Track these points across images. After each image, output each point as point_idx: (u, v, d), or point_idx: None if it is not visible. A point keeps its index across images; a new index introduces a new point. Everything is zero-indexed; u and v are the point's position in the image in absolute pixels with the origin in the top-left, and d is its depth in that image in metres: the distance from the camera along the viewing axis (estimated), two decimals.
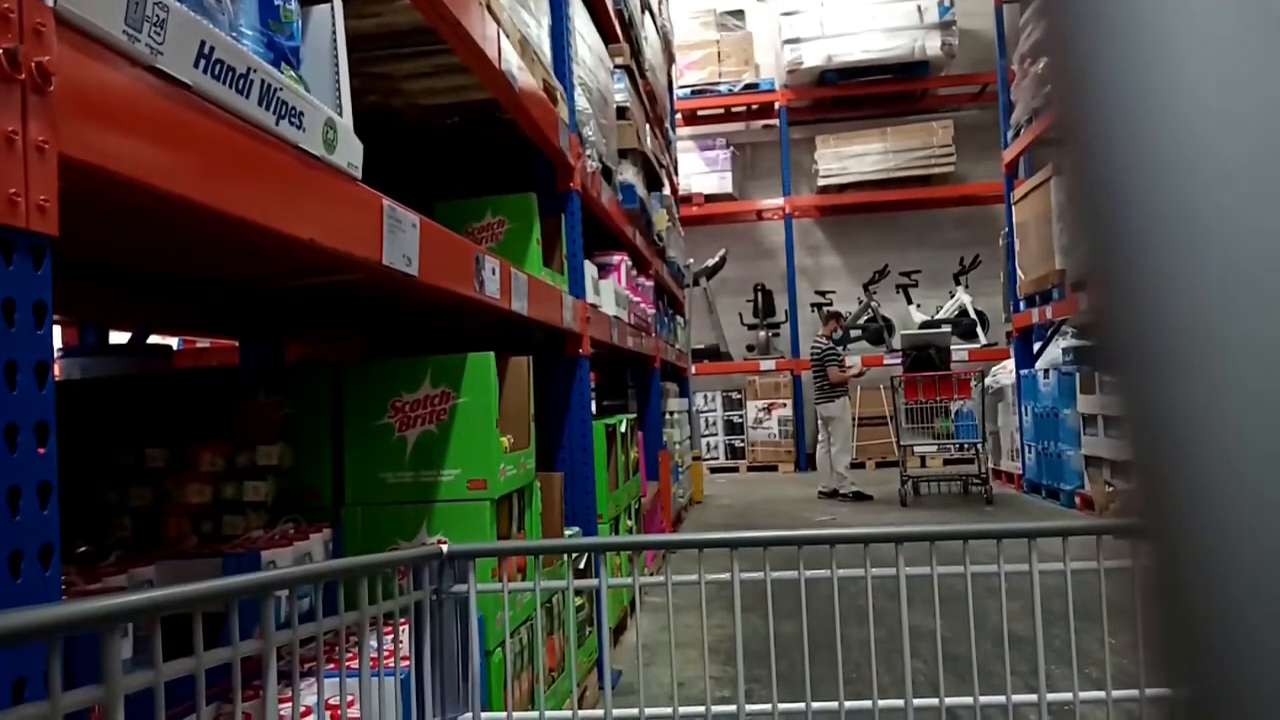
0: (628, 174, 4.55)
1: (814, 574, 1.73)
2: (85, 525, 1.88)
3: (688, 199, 11.05)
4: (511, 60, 2.35)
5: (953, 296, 11.09)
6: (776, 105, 11.59)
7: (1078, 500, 6.78)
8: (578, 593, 2.78)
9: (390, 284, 1.70)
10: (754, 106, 11.98)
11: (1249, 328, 0.28)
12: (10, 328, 0.75)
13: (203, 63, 1.02)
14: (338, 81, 1.44)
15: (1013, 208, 8.54)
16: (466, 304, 2.06)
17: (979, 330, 10.82)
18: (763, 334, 11.60)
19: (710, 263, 11.21)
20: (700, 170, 11.57)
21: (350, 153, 1.41)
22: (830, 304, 10.92)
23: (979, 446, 7.76)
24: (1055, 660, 1.75)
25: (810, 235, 12.11)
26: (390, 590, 1.52)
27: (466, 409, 2.08)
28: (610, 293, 3.91)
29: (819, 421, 8.49)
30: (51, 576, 0.77)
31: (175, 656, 0.95)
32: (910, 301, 11.25)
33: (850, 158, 11.34)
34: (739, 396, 11.52)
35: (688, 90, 11.26)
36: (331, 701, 1.45)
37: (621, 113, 4.42)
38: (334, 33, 1.45)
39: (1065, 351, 7.53)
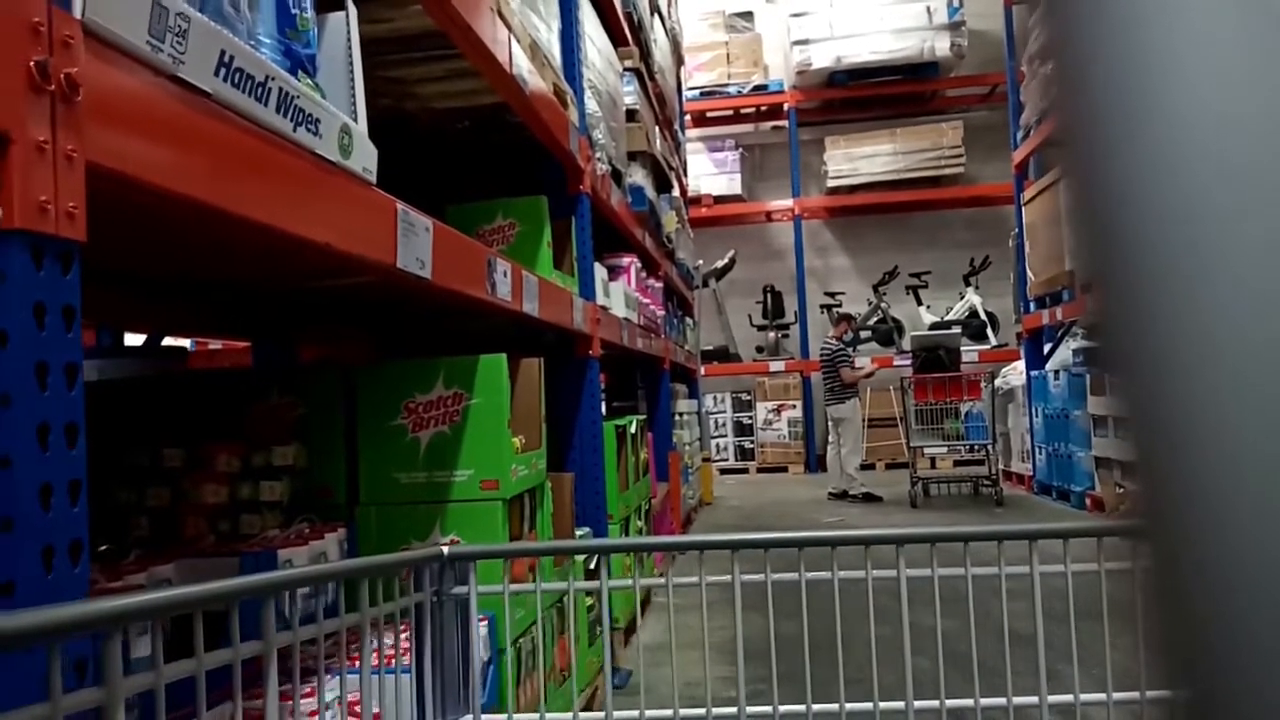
0: (637, 176, 4.57)
1: (815, 575, 1.73)
2: (103, 525, 1.90)
3: (697, 200, 11.04)
4: (522, 64, 2.37)
5: (963, 298, 11.06)
6: (785, 106, 11.58)
7: (1088, 502, 6.75)
8: (590, 593, 2.79)
9: (403, 286, 1.72)
10: (763, 108, 11.98)
11: (1249, 329, 0.28)
12: (41, 330, 0.77)
13: (223, 71, 1.04)
14: (353, 88, 1.47)
15: (1022, 209, 8.52)
16: (478, 306, 2.08)
17: (989, 331, 10.79)
18: (772, 335, 11.58)
19: (719, 264, 11.21)
20: (709, 172, 11.56)
21: (365, 158, 1.43)
22: (840, 305, 10.92)
23: (989, 448, 7.73)
24: (1059, 661, 1.76)
25: (819, 236, 12.10)
26: (392, 592, 1.54)
27: (479, 410, 2.10)
28: (620, 294, 3.93)
29: (829, 423, 8.47)
30: (81, 572, 0.79)
31: (209, 650, 0.98)
32: (920, 303, 11.21)
33: (860, 159, 11.31)
34: (748, 398, 11.50)
35: (697, 92, 11.26)
36: (353, 697, 1.47)
37: (631, 115, 4.44)
38: (349, 40, 1.47)
39: (1075, 353, 7.51)
